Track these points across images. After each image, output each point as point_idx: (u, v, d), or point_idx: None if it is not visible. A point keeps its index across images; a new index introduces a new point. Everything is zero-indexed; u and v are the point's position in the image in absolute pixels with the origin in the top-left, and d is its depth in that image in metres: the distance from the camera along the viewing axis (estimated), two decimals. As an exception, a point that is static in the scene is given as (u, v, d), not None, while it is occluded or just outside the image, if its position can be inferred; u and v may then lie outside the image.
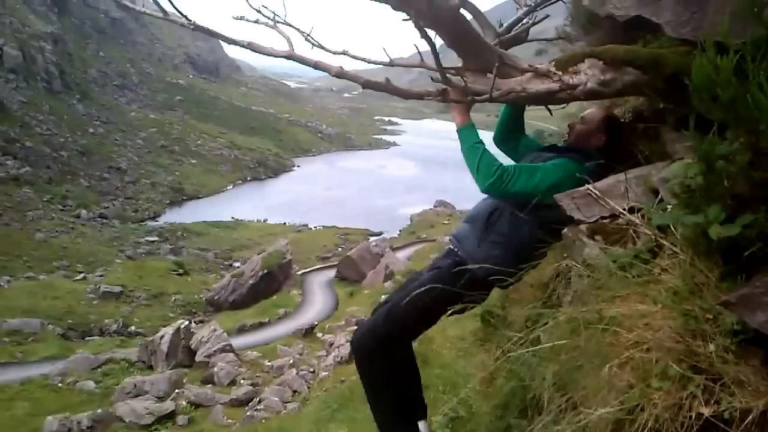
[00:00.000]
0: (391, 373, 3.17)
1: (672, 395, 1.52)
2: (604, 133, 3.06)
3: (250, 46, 2.66)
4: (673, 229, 1.87)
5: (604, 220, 2.37)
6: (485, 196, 3.11)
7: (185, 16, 2.60)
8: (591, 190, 2.40)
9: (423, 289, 2.99)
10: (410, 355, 3.29)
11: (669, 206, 1.98)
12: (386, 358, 3.14)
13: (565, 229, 2.57)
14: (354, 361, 3.38)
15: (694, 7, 2.12)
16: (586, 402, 1.76)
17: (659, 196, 2.21)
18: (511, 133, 3.46)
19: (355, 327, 3.39)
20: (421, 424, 3.31)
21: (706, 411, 1.46)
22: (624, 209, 2.23)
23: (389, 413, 3.23)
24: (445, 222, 57.18)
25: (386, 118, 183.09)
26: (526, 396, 2.63)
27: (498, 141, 3.48)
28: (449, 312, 2.99)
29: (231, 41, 2.65)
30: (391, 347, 3.15)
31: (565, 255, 2.55)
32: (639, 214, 2.16)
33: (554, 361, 2.00)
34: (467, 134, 2.91)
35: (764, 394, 1.42)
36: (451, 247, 3.20)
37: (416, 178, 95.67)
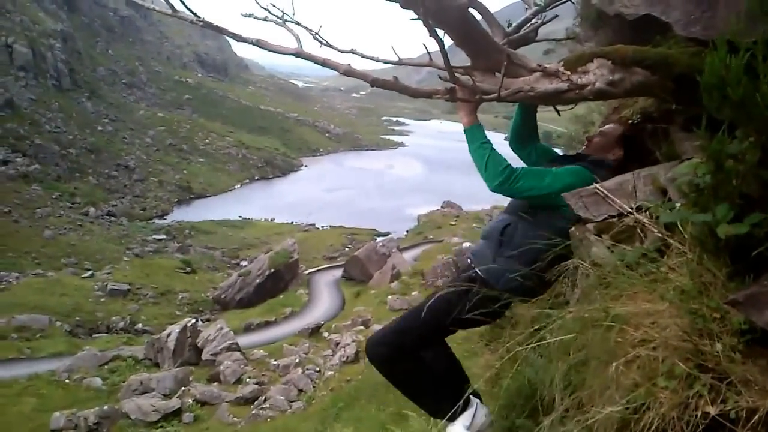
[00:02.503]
0: (414, 370, 3.13)
1: (678, 394, 1.52)
2: (621, 148, 3.07)
3: (259, 44, 2.67)
4: (680, 228, 1.87)
5: (612, 219, 2.36)
6: (500, 215, 3.14)
7: (194, 13, 2.61)
8: (599, 189, 2.39)
9: (434, 300, 3.00)
10: (437, 353, 3.27)
11: (677, 205, 1.97)
12: (403, 360, 3.10)
13: (572, 228, 2.57)
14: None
15: (704, 6, 2.11)
16: (593, 401, 1.76)
17: (667, 195, 2.20)
18: (524, 139, 3.42)
19: (368, 336, 3.36)
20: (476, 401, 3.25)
21: (713, 410, 1.45)
22: (632, 208, 2.22)
23: (431, 401, 3.21)
24: (452, 223, 57.16)
25: (394, 119, 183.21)
26: (532, 396, 2.63)
27: (513, 144, 3.46)
28: (463, 324, 2.99)
29: (239, 38, 2.65)
30: (405, 354, 3.11)
31: (572, 254, 2.55)
32: (647, 213, 2.15)
33: (560, 360, 1.99)
34: (475, 134, 2.91)
35: (771, 394, 1.42)
36: (470, 263, 3.18)
37: (423, 178, 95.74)
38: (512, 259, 2.89)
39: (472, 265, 3.11)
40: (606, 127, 3.23)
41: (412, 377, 3.17)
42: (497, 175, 2.80)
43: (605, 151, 3.10)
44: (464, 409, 3.13)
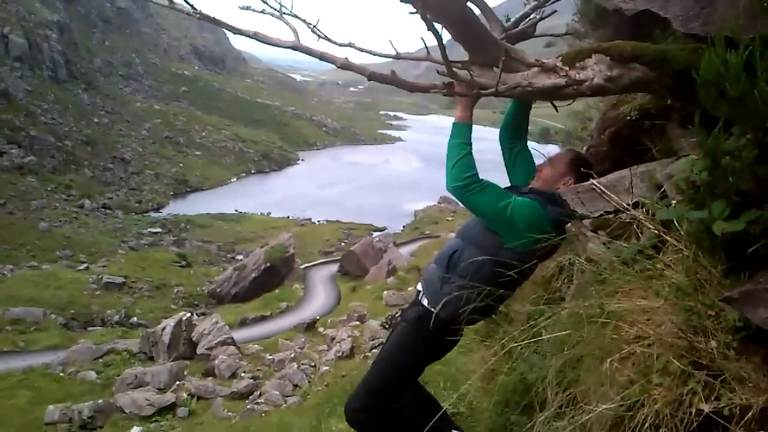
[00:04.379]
0: (397, 425, 3.18)
1: (672, 391, 1.52)
2: (572, 175, 2.98)
3: (256, 36, 2.65)
4: (677, 224, 1.87)
5: (608, 215, 2.36)
6: (453, 239, 3.15)
7: (191, 5, 2.59)
8: (595, 185, 2.39)
9: (392, 348, 3.12)
10: (413, 398, 3.30)
11: (674, 202, 1.97)
12: (382, 422, 3.15)
13: (569, 224, 2.57)
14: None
15: (703, 2, 2.11)
16: (587, 398, 1.76)
17: (664, 191, 2.20)
18: (513, 135, 3.37)
19: (345, 401, 3.40)
20: None
21: (707, 407, 1.46)
22: (628, 204, 2.22)
23: None
24: (449, 218, 57.18)
25: (392, 113, 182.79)
26: (527, 392, 2.63)
27: (502, 136, 3.42)
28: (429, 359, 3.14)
29: (236, 31, 2.63)
30: (382, 414, 3.14)
31: (569, 250, 2.54)
32: (643, 210, 2.15)
33: (555, 356, 1.99)
34: (460, 131, 2.91)
35: (764, 391, 1.42)
36: (419, 290, 3.19)
37: (420, 173, 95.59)
38: (458, 286, 2.87)
39: (421, 295, 3.13)
40: (554, 155, 3.19)
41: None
42: (459, 179, 2.80)
43: (555, 183, 3.01)
44: None
